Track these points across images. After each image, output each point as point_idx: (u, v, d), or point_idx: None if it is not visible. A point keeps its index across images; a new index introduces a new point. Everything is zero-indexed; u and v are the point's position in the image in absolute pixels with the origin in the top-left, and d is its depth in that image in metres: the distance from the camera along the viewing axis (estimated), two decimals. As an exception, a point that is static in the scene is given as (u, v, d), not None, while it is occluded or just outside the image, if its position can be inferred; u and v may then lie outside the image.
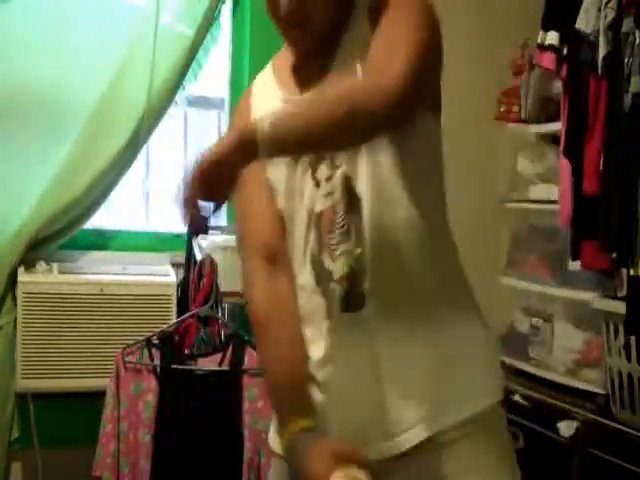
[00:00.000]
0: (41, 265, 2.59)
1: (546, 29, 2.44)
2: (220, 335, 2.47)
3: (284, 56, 1.36)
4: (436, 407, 1.24)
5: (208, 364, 2.36)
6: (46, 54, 2.60)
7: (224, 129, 3.05)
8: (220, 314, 2.51)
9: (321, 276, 1.27)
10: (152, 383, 2.33)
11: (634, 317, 2.04)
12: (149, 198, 2.97)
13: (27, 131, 2.60)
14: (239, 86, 2.95)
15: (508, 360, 2.61)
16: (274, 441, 1.36)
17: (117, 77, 2.61)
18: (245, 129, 1.11)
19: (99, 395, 2.36)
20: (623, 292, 2.19)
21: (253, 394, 2.35)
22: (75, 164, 2.59)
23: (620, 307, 2.10)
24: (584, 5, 2.28)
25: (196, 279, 2.48)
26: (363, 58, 1.19)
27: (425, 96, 1.23)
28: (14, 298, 2.54)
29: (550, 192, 2.57)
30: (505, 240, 2.86)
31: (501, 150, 2.94)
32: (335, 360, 1.27)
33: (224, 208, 1.20)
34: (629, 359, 2.10)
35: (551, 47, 2.41)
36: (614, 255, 2.15)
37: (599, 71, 2.22)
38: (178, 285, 2.68)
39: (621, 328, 2.11)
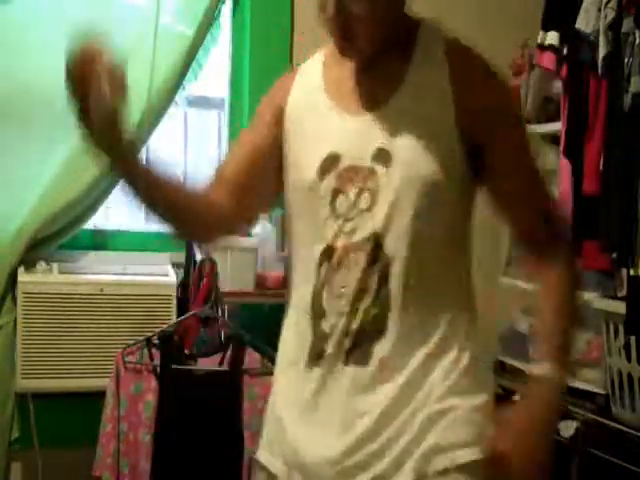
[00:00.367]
0: (41, 265, 2.59)
1: (546, 29, 2.44)
2: (220, 335, 2.48)
3: (334, 53, 1.30)
4: (426, 453, 1.20)
5: (208, 364, 2.36)
6: (46, 54, 2.59)
7: (224, 129, 3.05)
8: (220, 314, 2.51)
9: (314, 310, 1.26)
10: (152, 383, 2.33)
11: (634, 317, 2.04)
12: (149, 198, 2.97)
13: (27, 131, 2.60)
14: (239, 86, 2.95)
15: (508, 360, 2.60)
16: (264, 454, 1.34)
17: (117, 77, 2.61)
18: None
19: (99, 395, 2.36)
20: (623, 292, 2.19)
21: (253, 394, 2.35)
22: (75, 164, 2.58)
23: (620, 307, 2.10)
24: (584, 5, 2.28)
25: (196, 279, 2.48)
26: (436, 91, 1.22)
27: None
28: (14, 298, 2.54)
29: (550, 192, 2.56)
30: (505, 240, 2.86)
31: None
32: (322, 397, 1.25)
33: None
34: (629, 359, 2.10)
35: (551, 47, 2.41)
36: (614, 255, 2.15)
37: (599, 71, 2.22)
38: (178, 285, 2.68)
39: (621, 328, 2.11)
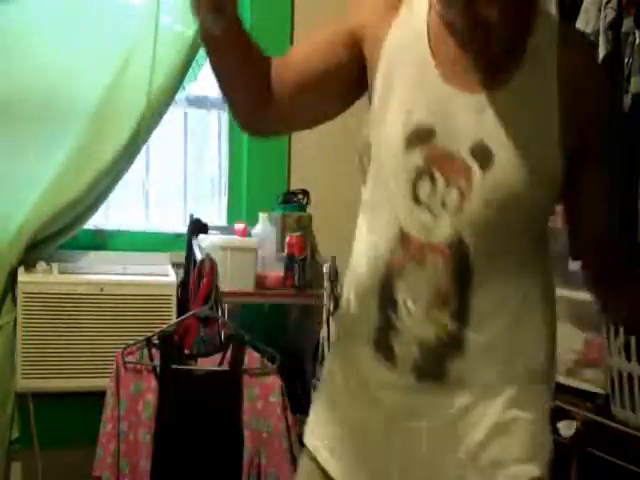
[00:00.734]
0: (41, 265, 2.59)
1: (546, 29, 2.44)
2: (220, 335, 2.47)
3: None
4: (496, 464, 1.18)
5: (208, 364, 2.36)
6: (46, 55, 2.60)
7: (224, 129, 3.05)
8: (220, 314, 2.51)
9: (383, 300, 1.19)
10: (152, 383, 2.33)
11: (634, 317, 2.04)
12: (149, 198, 2.98)
13: (27, 131, 2.60)
14: (239, 86, 2.95)
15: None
16: (310, 438, 1.31)
17: (117, 77, 2.61)
18: None
19: (99, 395, 2.36)
20: (623, 292, 2.19)
21: (253, 394, 2.35)
22: (75, 164, 2.59)
23: (620, 307, 2.10)
24: (584, 5, 2.28)
25: (196, 279, 2.48)
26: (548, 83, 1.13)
27: None
28: (14, 298, 2.54)
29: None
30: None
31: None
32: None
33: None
34: (629, 359, 2.10)
35: (551, 47, 2.41)
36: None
37: (599, 71, 2.22)
38: (178, 285, 2.68)
39: (621, 328, 2.11)
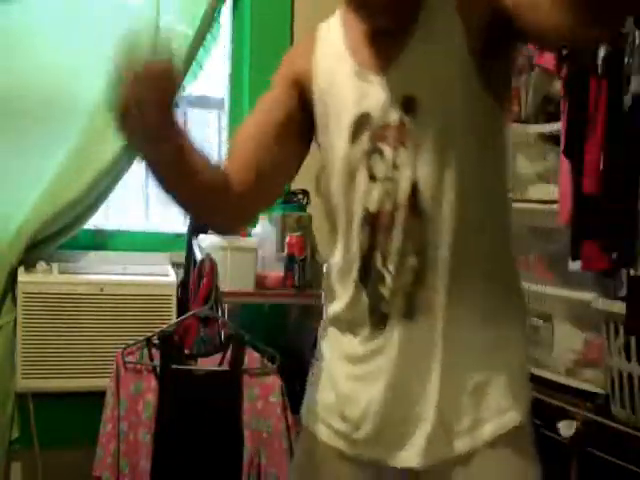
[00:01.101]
0: (41, 265, 2.59)
1: (546, 29, 2.44)
2: (220, 335, 2.48)
3: (349, 16, 1.27)
4: (480, 417, 1.22)
5: (208, 364, 2.36)
6: (47, 54, 2.60)
7: (224, 129, 3.06)
8: (220, 314, 2.51)
9: (368, 274, 1.24)
10: (152, 383, 2.33)
11: (634, 317, 2.04)
12: (149, 198, 2.98)
13: (27, 131, 2.61)
14: (239, 86, 2.95)
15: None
16: (306, 416, 1.39)
17: (117, 77, 2.61)
18: None
19: (99, 395, 2.36)
20: (623, 292, 2.19)
21: (253, 394, 2.35)
22: (75, 164, 2.59)
23: (620, 307, 2.10)
24: (584, 5, 2.27)
25: (196, 279, 2.48)
26: (445, 34, 1.17)
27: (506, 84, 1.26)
28: (14, 298, 2.54)
29: (550, 192, 2.56)
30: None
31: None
32: (385, 354, 1.23)
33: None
34: (629, 359, 2.10)
35: (551, 47, 2.41)
36: (614, 255, 2.15)
37: (599, 71, 2.22)
38: (178, 285, 2.68)
39: (621, 328, 2.11)
